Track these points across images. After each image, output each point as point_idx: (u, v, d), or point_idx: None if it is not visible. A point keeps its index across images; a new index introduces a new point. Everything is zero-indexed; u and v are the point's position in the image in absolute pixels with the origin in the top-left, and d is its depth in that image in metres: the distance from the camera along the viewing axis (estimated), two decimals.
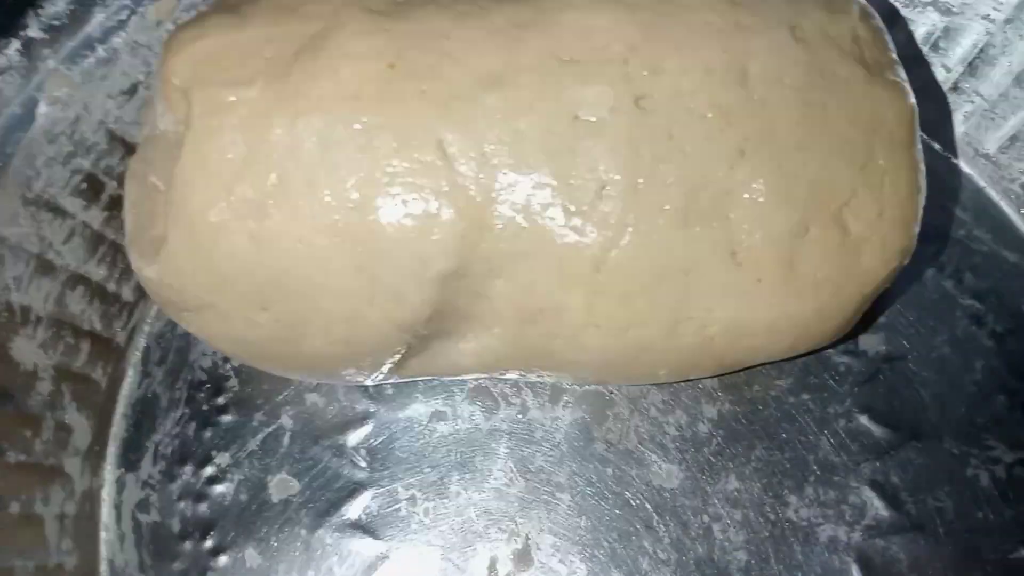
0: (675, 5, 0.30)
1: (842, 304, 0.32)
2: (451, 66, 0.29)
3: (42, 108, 0.34)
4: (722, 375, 0.37)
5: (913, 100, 0.32)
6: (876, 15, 0.33)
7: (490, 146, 0.28)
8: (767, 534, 0.36)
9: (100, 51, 0.35)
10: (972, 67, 0.40)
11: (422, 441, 0.37)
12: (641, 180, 0.29)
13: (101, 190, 0.37)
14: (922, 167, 0.32)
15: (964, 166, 0.42)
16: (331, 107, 0.28)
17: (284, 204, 0.28)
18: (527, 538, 0.36)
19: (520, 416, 0.38)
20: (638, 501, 0.36)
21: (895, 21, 0.40)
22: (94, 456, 0.38)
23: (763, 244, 0.30)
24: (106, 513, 0.37)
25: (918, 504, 0.36)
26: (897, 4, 0.40)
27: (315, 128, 0.28)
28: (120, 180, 0.37)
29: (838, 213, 0.30)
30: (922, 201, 0.32)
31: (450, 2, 0.30)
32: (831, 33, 0.31)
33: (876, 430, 0.37)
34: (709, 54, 0.29)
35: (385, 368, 0.32)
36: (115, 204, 0.37)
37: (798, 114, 0.30)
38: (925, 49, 0.41)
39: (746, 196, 0.29)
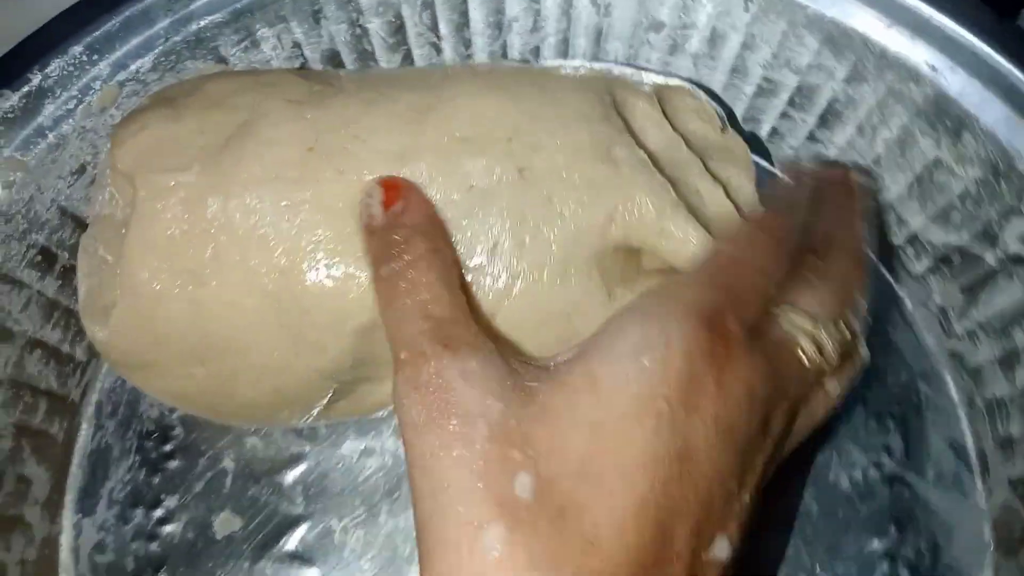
0: (552, 98, 0.34)
1: None
2: (361, 147, 0.33)
3: None
4: None
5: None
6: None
7: None
8: None
9: (51, 137, 0.38)
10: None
11: (353, 476, 0.41)
12: (527, 239, 0.32)
13: (55, 261, 0.40)
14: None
15: None
16: (258, 187, 0.32)
17: (219, 273, 0.32)
18: None
19: None
20: None
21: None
22: (52, 505, 0.41)
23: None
24: (65, 556, 0.40)
25: (789, 506, 0.41)
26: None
27: (245, 206, 0.32)
28: (71, 252, 0.40)
29: None
30: None
31: (357, 91, 0.35)
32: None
33: None
34: (579, 136, 0.33)
35: (314, 411, 0.36)
36: (67, 273, 0.40)
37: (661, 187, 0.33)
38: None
39: (616, 252, 0.33)
